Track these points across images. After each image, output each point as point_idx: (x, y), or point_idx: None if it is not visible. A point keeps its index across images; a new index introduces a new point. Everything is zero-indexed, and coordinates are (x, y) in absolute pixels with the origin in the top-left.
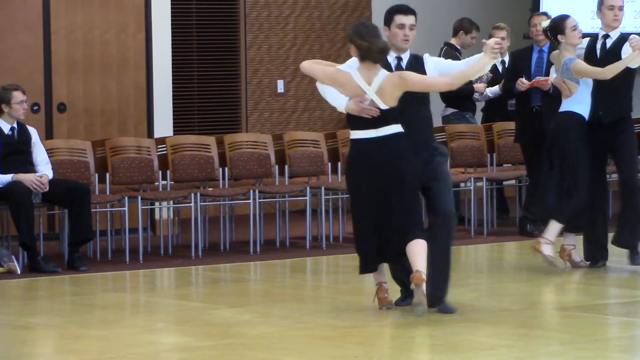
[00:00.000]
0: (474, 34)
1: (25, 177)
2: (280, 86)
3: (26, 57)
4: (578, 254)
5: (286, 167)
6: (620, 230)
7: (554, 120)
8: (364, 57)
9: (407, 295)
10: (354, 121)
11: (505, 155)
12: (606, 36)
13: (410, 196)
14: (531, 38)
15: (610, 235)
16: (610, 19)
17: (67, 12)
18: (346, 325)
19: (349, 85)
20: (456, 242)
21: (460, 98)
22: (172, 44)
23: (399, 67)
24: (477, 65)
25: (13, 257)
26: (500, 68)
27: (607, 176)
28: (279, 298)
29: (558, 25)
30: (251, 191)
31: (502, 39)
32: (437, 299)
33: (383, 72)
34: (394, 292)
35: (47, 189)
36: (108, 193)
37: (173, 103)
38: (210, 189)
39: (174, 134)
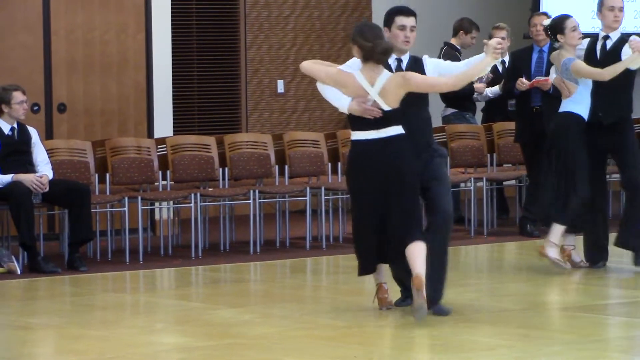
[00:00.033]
0: (474, 34)
1: (25, 178)
2: (281, 86)
3: (26, 57)
4: (578, 254)
5: (286, 167)
6: (624, 231)
7: (554, 121)
8: (367, 57)
9: (407, 295)
10: (356, 122)
11: (505, 156)
12: (606, 37)
13: (410, 197)
14: (531, 38)
15: (611, 236)
16: (611, 20)
17: (67, 12)
18: (346, 326)
19: (352, 85)
20: (456, 242)
21: (460, 98)
22: (172, 44)
23: (399, 69)
24: (479, 66)
25: (13, 257)
26: (500, 68)
27: (607, 176)
28: (279, 298)
29: (558, 25)
30: (251, 191)
31: (502, 39)
32: (432, 301)
33: (386, 73)
34: (394, 292)
35: (47, 189)
36: (108, 193)
37: (173, 103)
38: (210, 189)
39: (174, 134)
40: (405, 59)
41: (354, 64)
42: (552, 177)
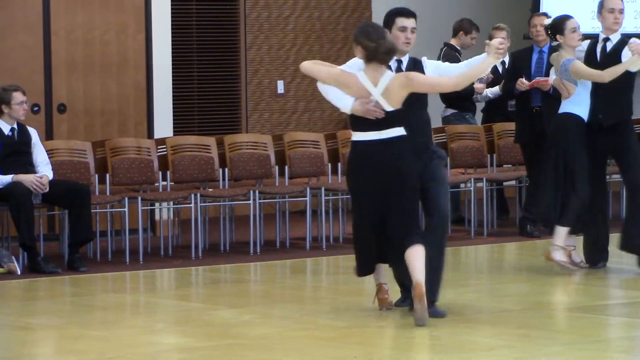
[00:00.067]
0: (474, 34)
1: (26, 178)
2: (281, 87)
3: (26, 58)
4: (578, 255)
5: (286, 167)
6: (628, 234)
7: (553, 122)
8: (370, 58)
9: (406, 296)
10: (358, 122)
11: (505, 156)
12: (606, 39)
13: (410, 197)
14: (531, 39)
15: (611, 236)
16: (611, 22)
17: (67, 12)
18: (346, 326)
19: (355, 86)
20: (456, 243)
21: (460, 99)
22: (172, 44)
23: (399, 70)
24: (481, 66)
25: (13, 257)
26: (500, 69)
27: (607, 176)
28: (279, 299)
29: (558, 25)
30: (251, 192)
31: (503, 39)
32: (428, 303)
33: (389, 73)
34: (394, 292)
35: (47, 189)
36: (108, 194)
37: (173, 103)
38: (210, 190)
39: (174, 135)
40: (405, 60)
41: (354, 65)
42: (552, 177)
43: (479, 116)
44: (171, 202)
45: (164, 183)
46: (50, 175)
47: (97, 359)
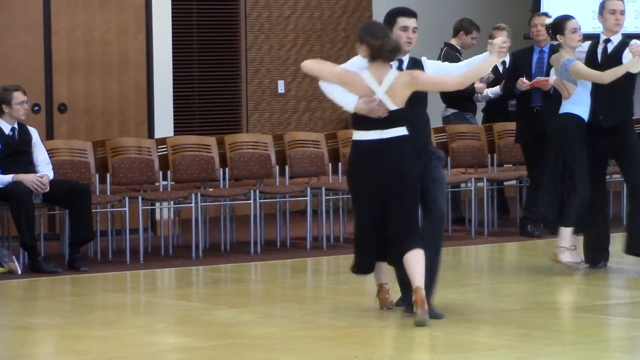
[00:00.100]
0: (475, 34)
1: (26, 178)
2: (281, 87)
3: (27, 58)
4: (578, 255)
5: (287, 167)
6: (633, 237)
7: (554, 122)
8: (375, 56)
9: (407, 296)
10: (360, 121)
11: (506, 156)
12: (607, 40)
13: (410, 197)
14: (532, 38)
15: (611, 236)
16: (612, 23)
17: (68, 12)
18: (347, 326)
19: (359, 84)
20: (457, 243)
21: (461, 98)
22: (173, 44)
23: (399, 70)
24: (484, 65)
25: (14, 257)
26: (500, 68)
27: (607, 177)
28: (280, 298)
29: (559, 25)
30: (252, 192)
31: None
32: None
33: (393, 72)
34: (395, 292)
35: (48, 189)
36: (109, 193)
37: (174, 103)
38: (210, 190)
39: (175, 135)
40: (405, 60)
41: (354, 64)
42: (552, 177)
43: (479, 116)
44: (172, 202)
45: (165, 183)
46: (51, 175)
47: (97, 359)
